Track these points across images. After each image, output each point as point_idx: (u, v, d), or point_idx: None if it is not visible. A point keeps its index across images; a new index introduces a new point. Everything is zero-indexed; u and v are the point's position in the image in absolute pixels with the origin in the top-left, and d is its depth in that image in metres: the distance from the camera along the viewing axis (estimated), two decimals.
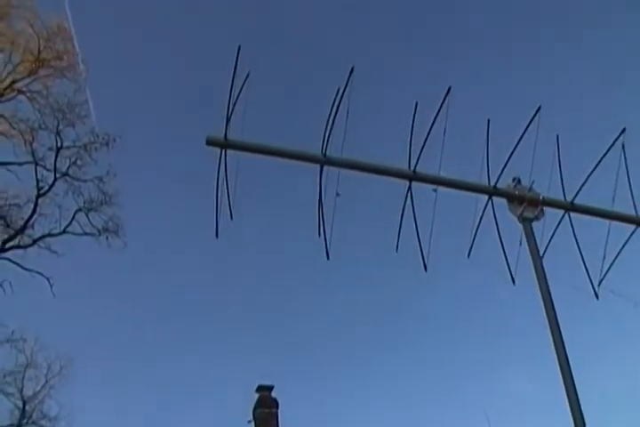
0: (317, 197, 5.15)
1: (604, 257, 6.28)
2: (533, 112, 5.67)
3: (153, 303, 25.83)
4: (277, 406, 15.60)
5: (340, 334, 28.84)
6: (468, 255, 5.91)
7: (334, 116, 4.92)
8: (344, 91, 4.78)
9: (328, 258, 4.93)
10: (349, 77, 4.72)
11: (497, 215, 5.88)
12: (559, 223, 6.04)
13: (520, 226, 5.71)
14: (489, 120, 5.62)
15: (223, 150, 4.98)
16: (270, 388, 15.52)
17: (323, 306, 27.36)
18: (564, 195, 6.01)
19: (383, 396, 29.71)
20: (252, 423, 15.62)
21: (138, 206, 22.20)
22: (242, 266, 25.08)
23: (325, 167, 5.15)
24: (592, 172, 5.81)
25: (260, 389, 15.47)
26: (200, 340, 26.91)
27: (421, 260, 5.19)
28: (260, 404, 15.52)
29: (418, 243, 5.19)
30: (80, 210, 18.41)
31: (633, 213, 6.49)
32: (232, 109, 4.95)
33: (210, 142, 4.98)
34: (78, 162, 18.25)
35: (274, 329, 26.90)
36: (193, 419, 22.99)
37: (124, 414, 23.14)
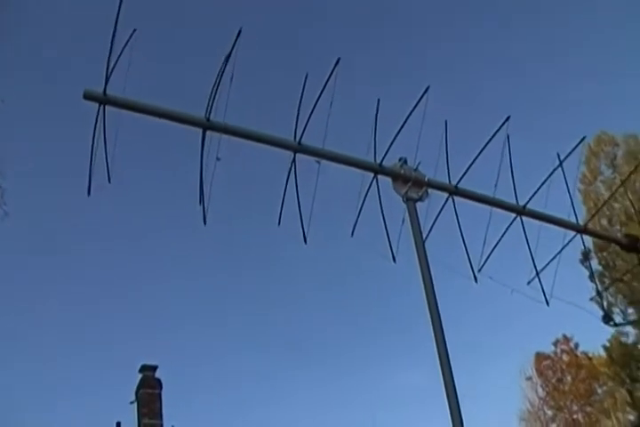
0: (199, 163, 4.98)
1: (484, 243, 6.45)
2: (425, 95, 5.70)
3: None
4: (161, 387, 15.32)
5: (223, 312, 28.59)
6: (352, 233, 5.91)
7: (219, 81, 4.77)
8: (230, 54, 4.64)
9: (205, 223, 4.80)
10: (236, 39, 4.58)
11: (383, 194, 5.91)
12: (443, 206, 6.13)
13: (404, 205, 5.75)
14: (379, 100, 5.61)
15: (102, 106, 4.74)
16: (154, 368, 15.21)
17: (199, 279, 26.91)
18: (449, 178, 6.10)
19: (273, 383, 29.82)
20: (135, 404, 15.29)
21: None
22: (118, 232, 24.00)
23: (209, 133, 5.00)
24: (476, 157, 5.92)
25: (143, 369, 15.13)
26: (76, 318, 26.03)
27: (301, 232, 5.14)
28: (143, 384, 15.18)
29: (299, 215, 5.13)
30: None
31: (514, 201, 6.70)
32: (114, 64, 4.71)
33: (88, 96, 4.73)
34: None
35: (154, 307, 26.36)
36: (73, 402, 22.33)
37: None
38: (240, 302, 29.40)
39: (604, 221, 23.08)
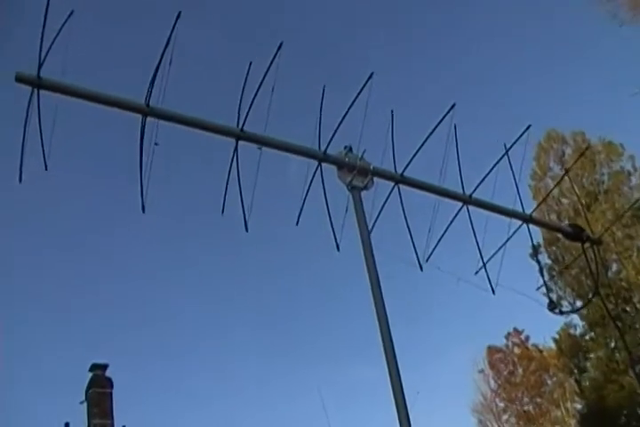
0: (139, 150, 4.87)
1: (430, 231, 6.46)
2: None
3: None
4: (112, 386, 15.08)
5: (173, 309, 28.23)
6: (297, 222, 5.85)
7: (158, 66, 4.66)
8: (169, 38, 4.54)
9: (144, 211, 4.69)
10: (175, 23, 4.48)
11: (329, 183, 5.87)
12: (389, 195, 6.12)
13: (349, 194, 5.71)
14: (324, 86, 5.56)
15: (35, 90, 4.59)
16: (105, 366, 14.96)
17: (146, 273, 26.40)
18: (395, 167, 6.08)
19: (226, 380, 29.59)
20: (85, 404, 15.01)
21: None
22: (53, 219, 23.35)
23: (149, 118, 4.89)
24: (422, 145, 5.92)
25: (93, 368, 14.87)
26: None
27: (243, 220, 5.07)
28: (93, 383, 14.93)
29: (240, 203, 5.06)
30: None
31: (460, 190, 6.73)
32: (49, 46, 4.56)
33: (20, 79, 4.57)
34: None
35: (104, 304, 25.87)
36: (19, 403, 21.76)
37: None
38: (189, 298, 29.13)
39: (554, 216, 23.54)
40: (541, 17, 29.77)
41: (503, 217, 7.43)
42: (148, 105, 4.81)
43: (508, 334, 33.52)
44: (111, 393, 15.12)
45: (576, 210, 22.88)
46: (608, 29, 20.69)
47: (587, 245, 8.03)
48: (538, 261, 22.05)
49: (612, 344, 23.99)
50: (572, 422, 29.82)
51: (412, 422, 4.87)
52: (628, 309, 24.14)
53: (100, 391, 15.00)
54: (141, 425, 16.52)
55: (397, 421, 4.96)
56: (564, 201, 24.08)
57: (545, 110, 29.58)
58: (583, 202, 23.29)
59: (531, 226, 7.67)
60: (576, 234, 8.17)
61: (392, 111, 6.07)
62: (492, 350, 33.42)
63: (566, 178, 19.71)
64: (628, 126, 27.55)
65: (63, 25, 4.67)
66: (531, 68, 31.99)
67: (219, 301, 28.51)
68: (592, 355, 24.53)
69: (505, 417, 33.47)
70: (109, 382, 15.11)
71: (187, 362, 28.79)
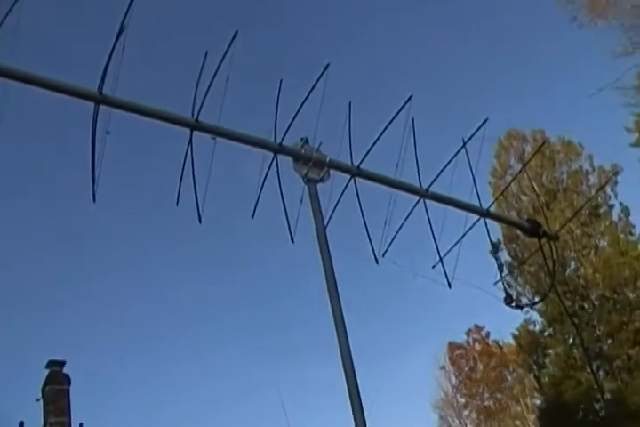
0: (90, 140, 4.79)
1: (386, 224, 6.47)
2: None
3: None
4: (69, 383, 14.87)
5: (131, 306, 27.85)
6: (253, 215, 5.82)
7: (111, 53, 4.59)
8: (123, 23, 4.47)
9: (94, 200, 4.62)
10: (128, 8, 4.41)
11: (285, 175, 5.84)
12: (345, 187, 6.12)
13: (305, 186, 5.70)
14: (281, 80, 5.54)
15: None
16: (62, 363, 14.73)
17: (104, 268, 26.02)
18: (352, 160, 6.08)
19: (184, 377, 29.32)
20: (41, 401, 14.78)
21: None
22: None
23: (103, 106, 4.81)
24: (378, 138, 5.92)
25: (50, 364, 14.64)
26: None
27: (196, 210, 5.03)
28: (49, 380, 14.70)
29: (194, 194, 5.02)
30: None
31: (418, 184, 6.75)
32: None
33: None
34: None
35: (62, 301, 25.43)
36: None
37: None
38: (144, 292, 28.80)
39: (514, 213, 23.84)
40: (503, 18, 30.15)
41: (461, 211, 7.50)
42: (100, 93, 4.73)
43: (469, 330, 33.96)
44: (68, 390, 14.91)
45: (535, 208, 23.21)
46: (568, 31, 21.03)
47: (543, 240, 8.14)
48: (495, 257, 22.36)
49: (570, 341, 24.41)
50: (532, 417, 30.33)
51: (371, 420, 4.86)
52: (585, 306, 24.59)
53: (56, 389, 14.78)
54: (99, 423, 16.28)
55: (353, 419, 4.93)
56: (524, 198, 24.43)
57: (506, 108, 29.99)
58: (542, 200, 23.63)
59: (489, 221, 7.76)
60: (533, 229, 8.26)
61: (350, 103, 6.06)
62: (452, 346, 33.79)
63: (526, 176, 19.99)
64: (586, 126, 28.09)
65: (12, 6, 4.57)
66: (494, 66, 32.36)
67: (174, 295, 28.26)
68: (550, 351, 24.93)
69: (466, 413, 33.91)
70: (67, 379, 14.89)
71: (146, 359, 28.53)
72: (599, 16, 18.60)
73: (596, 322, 24.04)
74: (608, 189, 24.75)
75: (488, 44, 31.60)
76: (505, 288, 8.43)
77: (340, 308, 5.35)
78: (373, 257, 6.37)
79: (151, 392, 28.05)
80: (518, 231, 8.59)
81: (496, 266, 17.44)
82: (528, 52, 31.79)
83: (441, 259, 7.28)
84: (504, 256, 24.77)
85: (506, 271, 15.49)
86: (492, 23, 30.99)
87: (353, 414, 4.90)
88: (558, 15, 20.50)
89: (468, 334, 33.97)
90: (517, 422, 32.28)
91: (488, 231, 8.25)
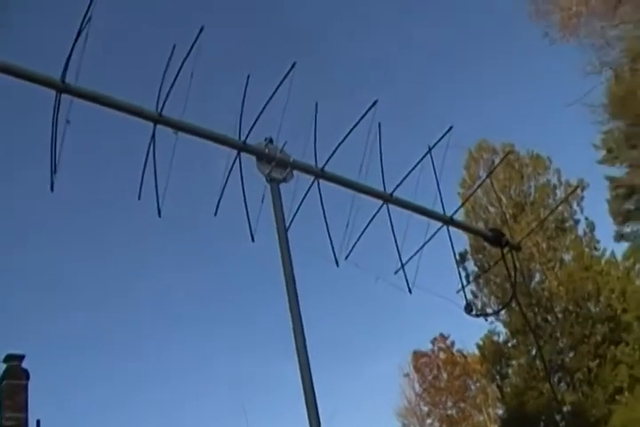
0: (51, 129, 4.75)
1: (348, 227, 6.49)
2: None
3: None
4: (28, 378, 14.61)
5: (96, 300, 27.48)
6: (215, 213, 5.81)
7: (75, 41, 4.56)
8: (87, 13, 4.45)
9: (52, 190, 4.58)
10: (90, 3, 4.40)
11: (249, 174, 5.84)
12: (309, 189, 6.13)
13: (268, 186, 5.70)
14: (249, 75, 5.54)
15: None
16: (21, 357, 14.48)
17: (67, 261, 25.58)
18: (316, 161, 6.10)
19: (148, 375, 29.02)
20: None
21: None
22: None
23: (65, 95, 4.77)
24: (342, 140, 5.93)
25: (8, 358, 14.37)
26: None
27: (156, 205, 5.00)
28: (7, 375, 14.42)
29: (155, 187, 5.00)
30: None
31: (382, 188, 6.80)
32: None
33: None
34: None
35: (22, 293, 25.06)
36: None
37: None
38: (107, 288, 28.48)
39: (481, 224, 24.10)
40: (477, 27, 30.46)
41: (425, 218, 7.55)
42: (63, 81, 4.69)
43: (435, 339, 34.15)
44: (27, 385, 14.64)
45: (503, 219, 23.49)
46: (540, 46, 21.32)
47: (506, 250, 8.24)
48: (462, 266, 22.55)
49: (533, 352, 24.69)
50: None
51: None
52: (549, 318, 24.89)
53: (14, 383, 14.51)
54: (57, 419, 16.09)
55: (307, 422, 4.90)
56: (492, 210, 24.71)
57: (474, 118, 30.29)
58: (510, 211, 23.91)
59: (455, 230, 7.83)
60: (495, 238, 8.32)
61: (316, 104, 6.07)
62: (417, 354, 33.94)
63: (493, 187, 20.17)
64: (555, 141, 28.46)
65: None
66: (464, 76, 32.65)
67: (135, 289, 27.94)
68: (514, 362, 25.19)
69: (429, 421, 34.05)
70: (25, 374, 14.63)
71: (107, 353, 28.20)
72: (571, 34, 18.92)
73: (558, 334, 24.35)
74: (574, 203, 25.15)
75: (460, 54, 31.91)
76: (466, 296, 8.52)
77: (298, 308, 5.31)
78: (334, 260, 6.39)
79: (113, 390, 27.69)
80: (481, 239, 8.67)
81: (457, 274, 17.53)
82: (499, 63, 32.18)
83: (402, 264, 7.32)
84: (470, 266, 25.03)
85: (468, 280, 15.63)
86: (466, 32, 31.32)
87: (308, 418, 4.87)
88: (531, 30, 20.78)
89: (433, 342, 34.21)
90: None
91: (451, 239, 8.33)
